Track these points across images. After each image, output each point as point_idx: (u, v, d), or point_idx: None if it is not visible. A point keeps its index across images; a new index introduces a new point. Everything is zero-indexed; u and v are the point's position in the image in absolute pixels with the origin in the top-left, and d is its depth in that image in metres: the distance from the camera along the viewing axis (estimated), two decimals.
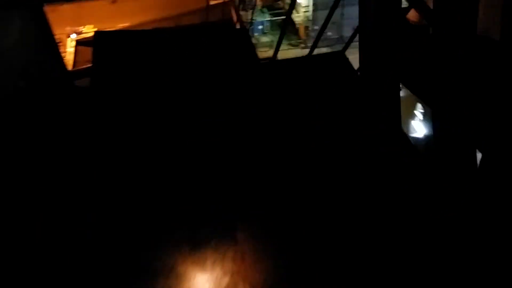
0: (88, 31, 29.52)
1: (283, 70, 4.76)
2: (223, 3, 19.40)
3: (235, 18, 22.48)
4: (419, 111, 18.77)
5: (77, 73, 17.82)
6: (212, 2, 15.15)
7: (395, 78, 4.00)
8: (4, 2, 3.31)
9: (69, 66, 25.93)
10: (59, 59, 4.08)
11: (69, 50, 27.90)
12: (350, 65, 4.38)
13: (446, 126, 3.68)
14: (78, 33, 29.40)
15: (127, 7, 32.30)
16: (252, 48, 10.56)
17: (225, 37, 10.72)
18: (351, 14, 26.38)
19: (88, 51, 20.85)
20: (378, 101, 3.95)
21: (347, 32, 27.28)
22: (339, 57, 4.63)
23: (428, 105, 3.83)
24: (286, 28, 8.99)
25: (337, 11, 29.66)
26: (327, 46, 27.14)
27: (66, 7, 31.36)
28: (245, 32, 14.59)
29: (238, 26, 20.00)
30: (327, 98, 4.25)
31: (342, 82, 4.33)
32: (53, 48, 4.08)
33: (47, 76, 3.92)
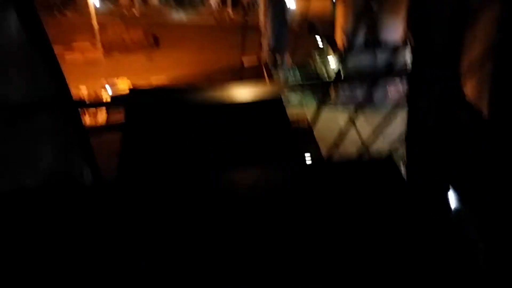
0: (123, 83, 30.55)
1: (331, 173, 4.63)
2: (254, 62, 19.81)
3: (266, 78, 22.93)
4: None
5: (109, 127, 18.22)
6: (246, 64, 15.50)
7: (444, 180, 3.82)
8: (35, 104, 3.27)
9: (103, 120, 26.65)
10: (92, 161, 4.02)
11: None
12: (398, 170, 4.22)
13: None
14: (112, 85, 30.43)
15: (162, 63, 33.41)
16: (287, 119, 10.61)
17: (263, 110, 10.85)
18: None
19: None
20: (426, 203, 3.80)
21: (377, 93, 27.40)
22: (387, 162, 4.49)
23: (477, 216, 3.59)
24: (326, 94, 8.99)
25: (367, 72, 29.92)
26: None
27: (104, 61, 32.58)
28: (280, 102, 14.69)
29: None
30: (373, 200, 4.10)
31: (389, 188, 4.17)
32: (86, 151, 4.02)
33: (76, 178, 3.89)
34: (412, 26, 3.49)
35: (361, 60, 29.49)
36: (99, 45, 34.42)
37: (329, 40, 31.18)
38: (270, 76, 22.45)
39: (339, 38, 30.68)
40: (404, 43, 30.27)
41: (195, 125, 6.39)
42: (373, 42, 29.85)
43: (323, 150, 22.60)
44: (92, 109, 28.47)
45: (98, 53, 34.74)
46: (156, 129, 6.66)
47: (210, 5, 42.56)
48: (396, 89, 30.03)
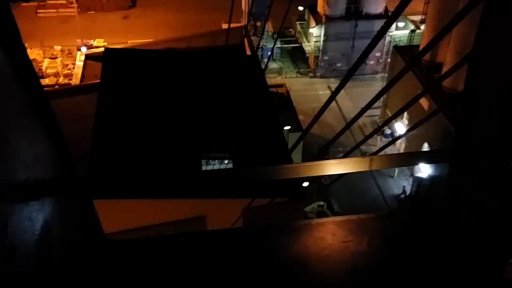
0: (98, 45, 29.83)
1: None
2: (235, 27, 19.57)
3: (246, 43, 22.68)
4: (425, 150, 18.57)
5: (84, 88, 17.88)
6: (224, 27, 15.23)
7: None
8: (42, 186, 2.93)
9: (77, 80, 26.00)
10: (96, 226, 3.71)
11: (78, 63, 28.11)
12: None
13: None
14: (88, 46, 29.70)
15: (140, 24, 32.70)
16: (262, 76, 10.60)
17: (235, 62, 10.78)
18: (361, 47, 26.61)
19: (96, 66, 20.91)
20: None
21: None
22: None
23: None
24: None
25: (347, 43, 29.83)
26: (335, 77, 27.31)
27: (79, 19, 31.65)
28: (256, 58, 14.65)
29: (248, 51, 20.14)
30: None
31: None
32: (92, 221, 3.69)
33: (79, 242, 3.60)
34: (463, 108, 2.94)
35: (341, 30, 29.47)
36: (74, 2, 33.39)
37: (311, 9, 31.01)
38: (249, 41, 22.21)
39: (321, 7, 30.46)
40: (385, 14, 30.25)
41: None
42: (355, 12, 29.82)
43: (300, 117, 22.58)
44: (67, 70, 27.86)
45: (73, 11, 33.72)
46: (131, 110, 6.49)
47: None
48: (375, 61, 30.14)
